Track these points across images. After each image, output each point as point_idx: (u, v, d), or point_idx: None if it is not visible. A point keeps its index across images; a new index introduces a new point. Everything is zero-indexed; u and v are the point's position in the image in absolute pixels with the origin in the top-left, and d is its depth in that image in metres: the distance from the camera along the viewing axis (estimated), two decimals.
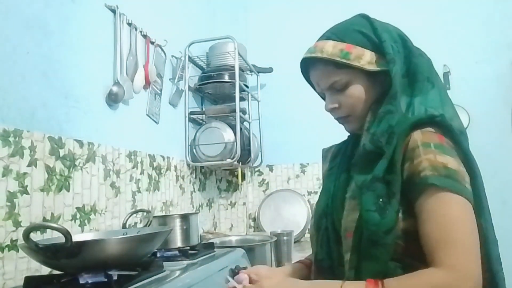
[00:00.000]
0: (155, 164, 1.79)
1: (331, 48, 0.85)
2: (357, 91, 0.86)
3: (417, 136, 0.76)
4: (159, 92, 1.88)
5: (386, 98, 0.82)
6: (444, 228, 0.70)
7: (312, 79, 0.93)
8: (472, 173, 0.77)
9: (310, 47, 0.90)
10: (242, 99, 2.30)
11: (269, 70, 2.56)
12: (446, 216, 0.71)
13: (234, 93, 2.14)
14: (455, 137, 0.77)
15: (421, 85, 0.84)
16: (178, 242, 1.46)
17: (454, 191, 0.71)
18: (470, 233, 0.70)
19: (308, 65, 0.92)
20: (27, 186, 1.11)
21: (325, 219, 0.88)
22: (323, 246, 0.87)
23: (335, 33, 0.87)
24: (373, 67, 0.83)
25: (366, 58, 0.83)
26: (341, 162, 0.94)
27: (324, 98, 0.94)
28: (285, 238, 1.84)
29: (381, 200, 0.74)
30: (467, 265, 0.68)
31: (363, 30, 0.85)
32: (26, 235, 0.82)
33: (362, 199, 0.76)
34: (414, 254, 0.73)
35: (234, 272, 0.92)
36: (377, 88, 0.86)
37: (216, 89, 2.37)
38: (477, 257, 0.70)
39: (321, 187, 0.98)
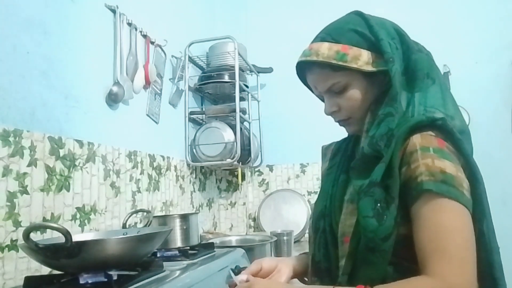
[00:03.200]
0: (155, 164, 1.79)
1: (327, 51, 0.82)
2: (356, 93, 0.83)
3: (416, 139, 0.74)
4: (159, 92, 1.88)
5: (386, 99, 0.80)
6: (436, 236, 0.68)
7: (309, 83, 0.91)
8: (474, 179, 0.74)
9: (304, 49, 0.87)
10: (242, 99, 2.31)
11: (269, 70, 2.56)
12: (440, 224, 0.68)
13: (234, 93, 2.14)
14: (456, 142, 0.75)
15: (421, 82, 0.81)
16: (178, 242, 1.46)
17: (450, 197, 0.69)
18: (463, 242, 0.68)
19: (304, 68, 0.89)
20: (27, 186, 1.11)
21: (323, 220, 0.86)
22: (321, 248, 0.85)
23: (330, 34, 0.84)
24: (371, 68, 0.81)
25: (363, 59, 0.81)
26: (341, 162, 0.92)
27: (323, 100, 0.91)
28: (285, 238, 1.85)
29: (379, 205, 0.71)
30: (456, 276, 0.65)
31: (359, 29, 0.82)
32: (26, 235, 0.82)
33: (359, 205, 0.74)
34: (414, 258, 0.71)
35: (236, 272, 0.91)
36: (376, 88, 0.84)
37: (216, 89, 2.37)
38: (469, 267, 0.67)
39: (320, 186, 0.97)
